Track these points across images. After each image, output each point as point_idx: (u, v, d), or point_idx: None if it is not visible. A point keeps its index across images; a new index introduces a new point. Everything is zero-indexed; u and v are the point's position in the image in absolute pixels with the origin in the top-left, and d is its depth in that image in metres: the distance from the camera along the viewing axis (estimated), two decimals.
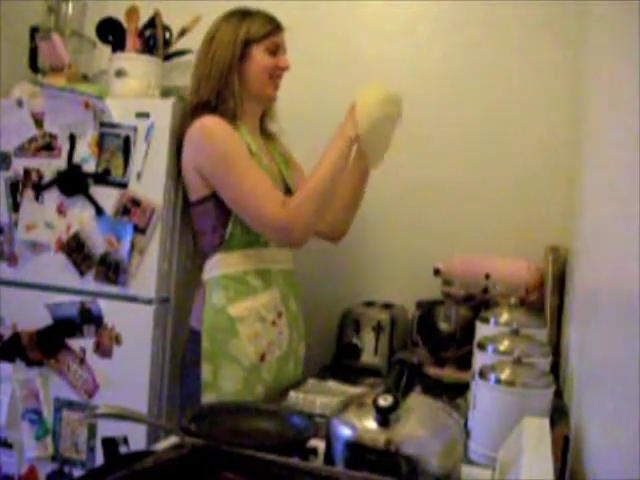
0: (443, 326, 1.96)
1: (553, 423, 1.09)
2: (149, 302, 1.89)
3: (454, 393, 1.61)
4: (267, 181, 1.60)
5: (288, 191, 1.75)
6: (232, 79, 1.67)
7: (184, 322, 1.77)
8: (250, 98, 1.72)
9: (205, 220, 1.66)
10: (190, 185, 1.68)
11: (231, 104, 1.66)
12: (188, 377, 1.64)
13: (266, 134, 1.85)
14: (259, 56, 1.70)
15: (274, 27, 1.73)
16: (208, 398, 1.57)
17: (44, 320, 1.97)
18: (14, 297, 2.02)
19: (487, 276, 1.96)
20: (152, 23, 2.10)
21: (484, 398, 1.19)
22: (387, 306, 2.13)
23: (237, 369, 1.59)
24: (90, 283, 1.93)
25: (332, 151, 1.62)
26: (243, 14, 1.73)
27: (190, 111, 1.70)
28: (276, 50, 1.73)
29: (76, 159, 1.96)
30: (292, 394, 1.53)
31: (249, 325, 1.60)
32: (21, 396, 1.99)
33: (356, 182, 1.84)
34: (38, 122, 2.01)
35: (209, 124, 1.62)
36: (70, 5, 2.24)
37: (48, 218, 1.98)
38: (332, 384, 1.66)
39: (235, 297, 1.61)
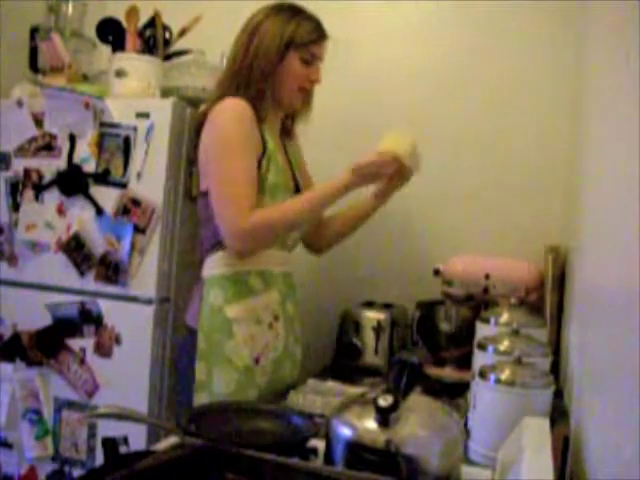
0: (443, 326, 1.96)
1: (553, 423, 1.09)
2: (149, 302, 1.89)
3: (454, 393, 1.60)
4: (249, 185, 1.55)
5: (298, 192, 1.74)
6: (269, 80, 1.62)
7: (184, 322, 1.77)
8: (275, 102, 1.68)
9: (209, 212, 1.63)
10: (201, 172, 1.65)
11: (259, 105, 1.61)
12: (182, 375, 1.63)
13: (287, 133, 1.81)
14: (293, 64, 1.64)
15: (319, 35, 1.68)
16: (200, 398, 1.56)
17: (44, 320, 1.97)
18: (14, 297, 2.02)
19: (487, 276, 1.96)
20: (152, 23, 2.10)
21: (484, 398, 1.19)
22: (387, 306, 2.13)
23: (231, 371, 1.58)
24: (90, 283, 1.93)
25: (327, 190, 1.59)
26: (293, 11, 1.66)
27: (216, 98, 1.63)
28: (311, 60, 1.67)
29: (76, 159, 1.96)
30: (292, 394, 1.53)
31: (245, 327, 1.59)
32: (21, 396, 1.99)
33: (361, 218, 1.87)
34: (38, 122, 2.01)
35: (231, 105, 1.58)
36: (70, 5, 2.24)
37: (48, 218, 1.98)
38: (332, 384, 1.66)
39: (233, 298, 1.60)
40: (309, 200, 1.59)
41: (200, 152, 1.63)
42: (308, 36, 1.65)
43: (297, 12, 1.66)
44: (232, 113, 1.57)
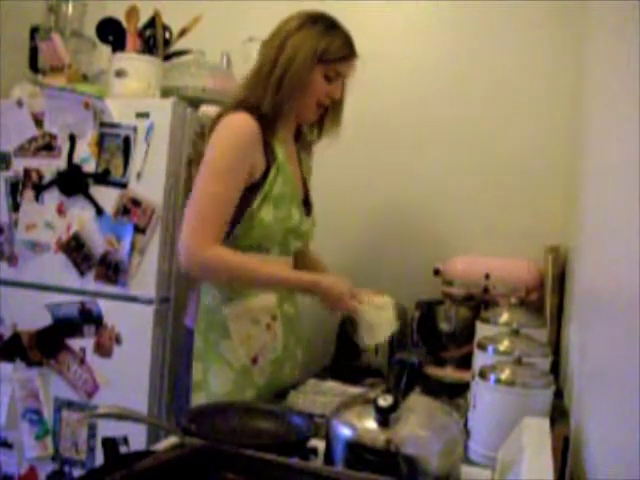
0: (443, 326, 1.96)
1: (553, 423, 1.09)
2: (149, 302, 1.89)
3: (454, 393, 1.60)
4: (222, 215, 1.52)
5: (307, 202, 1.72)
6: (294, 93, 1.57)
7: (184, 322, 1.78)
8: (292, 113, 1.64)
9: None
10: None
11: (276, 116, 1.57)
12: (181, 374, 1.64)
13: (303, 142, 1.77)
14: (316, 78, 1.59)
15: (348, 54, 1.63)
16: (197, 397, 1.56)
17: (44, 320, 1.97)
18: (14, 297, 2.02)
19: (487, 276, 1.96)
20: (152, 23, 2.10)
21: (484, 398, 1.19)
22: None
23: (227, 370, 1.57)
24: (90, 283, 1.93)
25: (292, 279, 1.58)
26: (329, 25, 1.61)
27: (235, 102, 1.59)
28: (334, 77, 1.63)
29: (76, 159, 1.96)
30: (292, 394, 1.53)
31: (242, 327, 1.59)
32: (21, 396, 1.99)
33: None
34: (38, 122, 2.01)
35: (234, 124, 1.54)
36: (70, 5, 2.24)
37: (48, 218, 1.98)
38: (332, 384, 1.66)
39: (230, 298, 1.60)
40: (269, 275, 1.57)
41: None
42: (337, 53, 1.60)
43: (332, 26, 1.62)
44: (232, 134, 1.54)
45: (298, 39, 1.58)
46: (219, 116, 1.59)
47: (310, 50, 1.57)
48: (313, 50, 1.57)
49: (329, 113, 1.72)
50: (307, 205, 1.72)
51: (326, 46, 1.58)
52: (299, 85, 1.57)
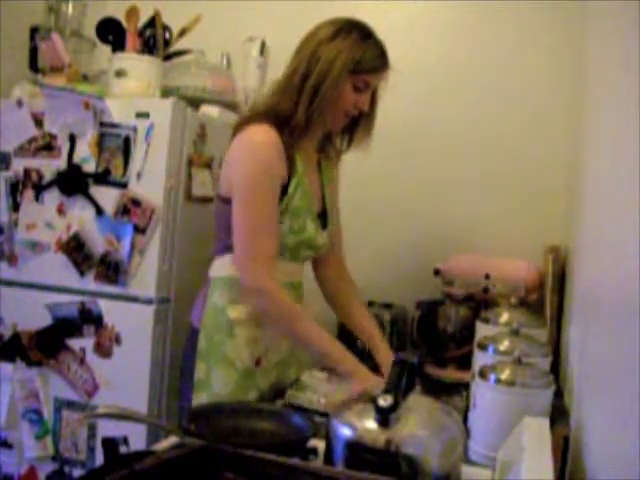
0: (443, 326, 1.96)
1: (553, 423, 1.10)
2: (149, 302, 1.89)
3: (454, 393, 1.60)
4: (271, 235, 1.52)
5: (324, 215, 1.69)
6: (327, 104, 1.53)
7: (184, 322, 1.77)
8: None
9: (223, 218, 1.58)
10: (222, 180, 1.61)
11: (305, 126, 1.54)
12: (184, 374, 1.63)
13: (328, 151, 1.73)
14: (346, 88, 1.55)
15: (381, 65, 1.59)
16: (199, 397, 1.56)
17: (44, 320, 1.97)
18: (14, 297, 2.02)
19: (487, 276, 1.96)
20: (152, 23, 2.10)
21: (484, 398, 1.19)
22: (387, 306, 2.12)
23: (230, 372, 1.57)
24: (90, 283, 1.93)
25: (336, 354, 1.54)
26: (364, 35, 1.57)
27: (260, 113, 1.55)
28: (363, 88, 1.59)
29: (76, 159, 1.96)
30: (290, 392, 1.53)
31: (247, 328, 1.59)
32: (21, 396, 1.99)
33: (353, 330, 1.84)
34: (38, 122, 2.01)
35: (259, 139, 1.51)
36: (70, 5, 2.24)
37: (48, 218, 1.98)
38: (329, 376, 1.62)
39: (237, 299, 1.59)
40: (312, 337, 1.54)
41: (226, 160, 1.59)
42: (370, 64, 1.57)
43: (367, 36, 1.59)
44: (256, 151, 1.51)
45: (333, 48, 1.53)
46: (243, 123, 1.56)
47: (346, 60, 1.53)
48: (349, 60, 1.53)
49: (361, 123, 1.67)
50: (323, 218, 1.69)
51: (363, 54, 1.55)
52: (332, 95, 1.53)
